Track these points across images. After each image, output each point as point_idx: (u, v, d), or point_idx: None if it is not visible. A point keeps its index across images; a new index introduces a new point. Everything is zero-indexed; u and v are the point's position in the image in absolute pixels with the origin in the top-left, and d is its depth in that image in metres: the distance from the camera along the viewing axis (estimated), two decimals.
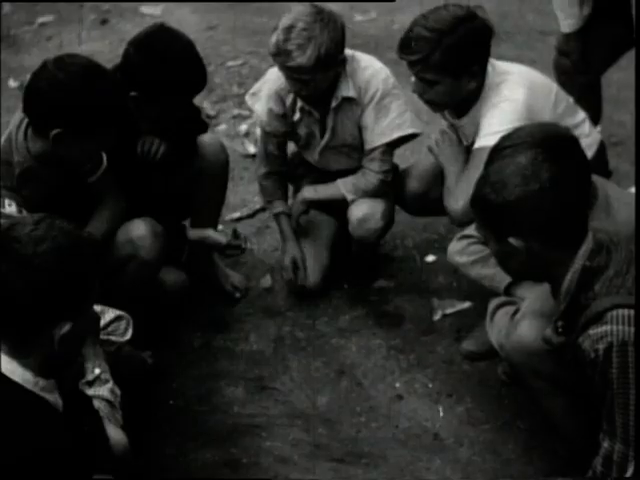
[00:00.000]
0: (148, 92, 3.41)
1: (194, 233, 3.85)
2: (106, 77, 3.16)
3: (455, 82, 3.41)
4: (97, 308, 2.87)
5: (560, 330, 2.74)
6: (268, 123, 3.85)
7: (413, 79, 3.47)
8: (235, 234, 3.83)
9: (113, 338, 3.05)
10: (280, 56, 3.52)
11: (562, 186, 2.60)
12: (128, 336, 3.09)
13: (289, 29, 3.50)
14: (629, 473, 2.65)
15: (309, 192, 3.92)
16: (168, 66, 3.38)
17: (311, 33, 3.49)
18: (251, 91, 3.92)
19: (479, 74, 3.44)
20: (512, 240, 2.65)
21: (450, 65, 3.36)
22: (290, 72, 3.56)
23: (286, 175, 4.04)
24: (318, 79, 3.59)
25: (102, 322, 3.00)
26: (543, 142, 2.67)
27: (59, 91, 3.06)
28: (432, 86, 3.42)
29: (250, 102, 3.91)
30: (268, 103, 3.80)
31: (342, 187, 3.82)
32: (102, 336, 2.98)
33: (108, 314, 3.05)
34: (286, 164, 4.03)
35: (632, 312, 2.59)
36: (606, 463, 2.72)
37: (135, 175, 3.56)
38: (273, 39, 3.53)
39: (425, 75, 3.40)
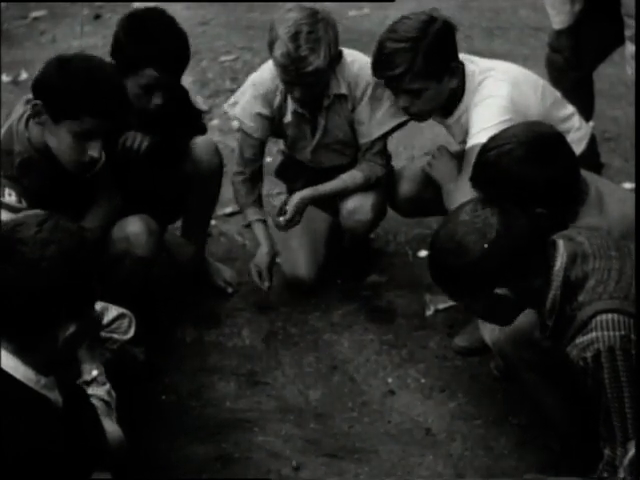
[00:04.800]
0: (133, 67, 3.45)
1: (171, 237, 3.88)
2: (110, 73, 3.21)
3: (439, 84, 3.44)
4: (99, 306, 2.88)
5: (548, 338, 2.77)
6: (255, 129, 3.78)
7: (394, 97, 3.50)
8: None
9: (116, 336, 3.05)
10: (294, 64, 3.47)
11: (515, 224, 2.65)
12: (130, 334, 3.09)
13: (296, 36, 3.46)
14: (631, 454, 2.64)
15: (310, 191, 3.80)
16: (148, 35, 3.48)
17: (317, 35, 3.48)
18: (230, 102, 3.89)
19: (458, 71, 3.47)
20: (498, 291, 2.66)
21: (433, 67, 3.39)
22: (304, 78, 3.52)
23: (259, 175, 3.93)
24: (325, 78, 3.59)
25: (105, 320, 3.01)
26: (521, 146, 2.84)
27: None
28: (419, 95, 3.44)
29: (231, 111, 3.87)
30: (254, 107, 3.75)
31: (349, 180, 3.77)
32: (105, 334, 3.00)
33: (111, 312, 3.05)
34: (260, 167, 3.93)
35: (616, 316, 2.60)
36: (611, 471, 2.71)
37: (119, 172, 3.55)
38: (281, 50, 3.46)
39: (412, 85, 3.42)
